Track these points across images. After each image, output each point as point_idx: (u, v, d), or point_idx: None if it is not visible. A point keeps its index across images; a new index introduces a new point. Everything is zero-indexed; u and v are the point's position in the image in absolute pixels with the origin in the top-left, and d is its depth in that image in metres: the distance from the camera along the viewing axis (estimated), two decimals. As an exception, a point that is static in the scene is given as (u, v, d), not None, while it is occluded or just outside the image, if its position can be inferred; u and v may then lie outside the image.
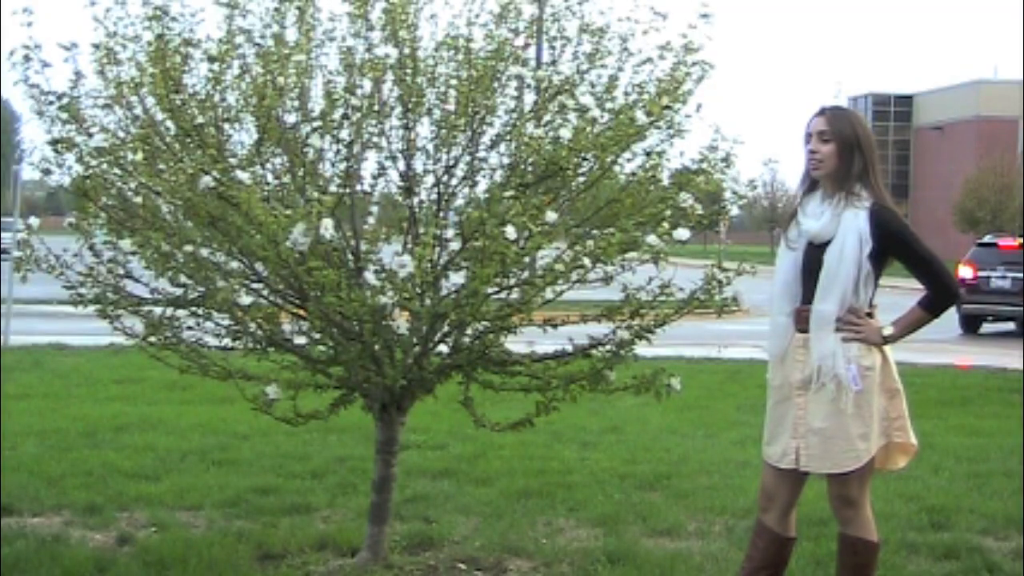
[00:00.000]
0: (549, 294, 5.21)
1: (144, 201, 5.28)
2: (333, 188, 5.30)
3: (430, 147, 5.33)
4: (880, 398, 4.46)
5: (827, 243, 4.46)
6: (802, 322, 4.50)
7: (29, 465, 7.43)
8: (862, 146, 4.51)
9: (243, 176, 5.01)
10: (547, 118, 5.31)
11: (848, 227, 4.43)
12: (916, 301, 4.59)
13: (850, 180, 4.49)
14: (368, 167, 5.39)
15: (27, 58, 5.28)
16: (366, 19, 5.30)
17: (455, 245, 5.12)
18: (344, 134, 5.28)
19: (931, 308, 4.58)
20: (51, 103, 5.32)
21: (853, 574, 4.58)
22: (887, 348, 4.52)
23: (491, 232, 4.88)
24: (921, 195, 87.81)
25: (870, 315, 4.50)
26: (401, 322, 4.92)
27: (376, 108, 5.28)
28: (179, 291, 5.40)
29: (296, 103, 5.31)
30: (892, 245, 4.47)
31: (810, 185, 4.61)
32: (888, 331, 4.50)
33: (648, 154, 5.32)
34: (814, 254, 4.49)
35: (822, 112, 4.59)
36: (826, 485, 4.58)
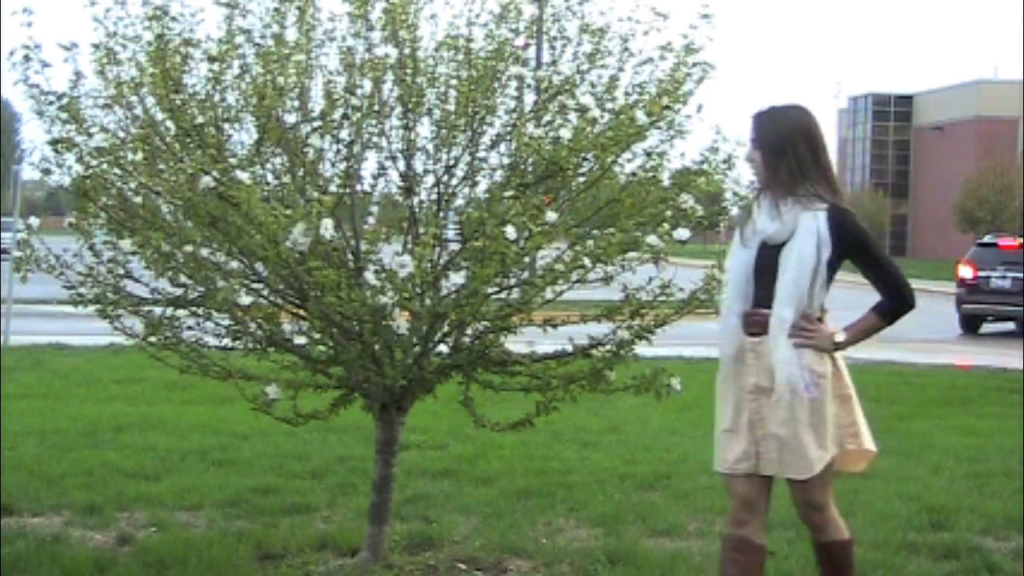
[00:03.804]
0: (549, 294, 5.21)
1: (144, 201, 5.28)
2: (333, 188, 5.30)
3: (430, 147, 5.33)
4: (832, 404, 4.32)
5: (782, 244, 4.31)
6: (752, 326, 4.33)
7: (29, 465, 7.43)
8: (789, 148, 4.31)
9: (243, 176, 5.01)
10: (547, 118, 5.31)
11: (806, 230, 4.26)
12: (870, 307, 4.44)
13: (780, 184, 4.31)
14: (368, 167, 5.40)
15: (27, 58, 5.28)
16: (366, 19, 5.30)
17: (455, 245, 5.12)
18: (344, 134, 5.28)
19: (886, 315, 4.41)
20: (51, 103, 5.32)
21: (836, 575, 4.52)
22: (838, 354, 4.38)
23: (491, 232, 4.88)
24: (921, 195, 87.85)
25: (820, 320, 4.35)
26: (401, 322, 4.92)
27: (376, 108, 5.28)
28: (179, 291, 5.40)
29: (296, 103, 5.31)
30: (850, 249, 4.32)
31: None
32: (840, 337, 4.35)
33: (648, 154, 5.32)
34: (768, 255, 4.32)
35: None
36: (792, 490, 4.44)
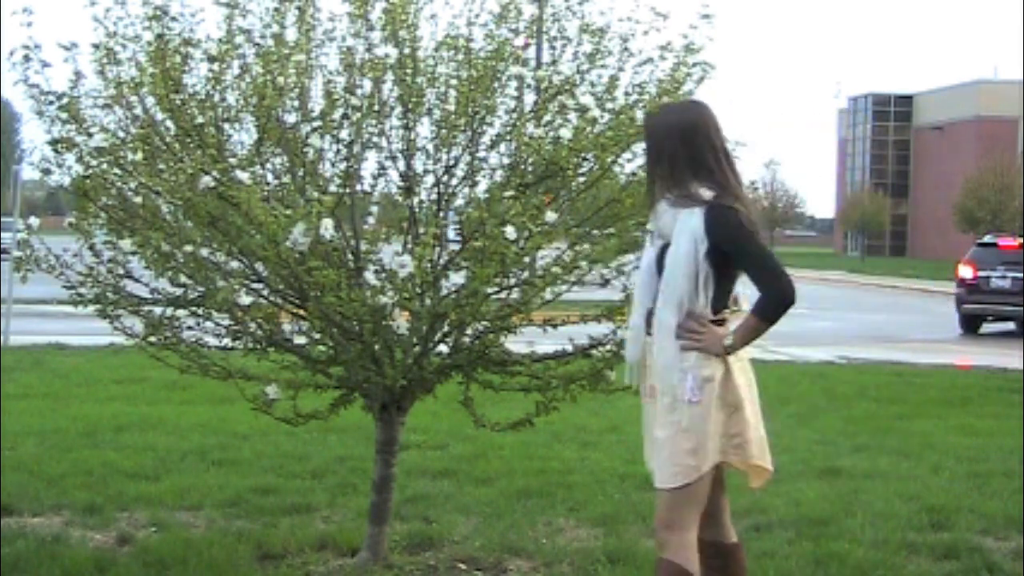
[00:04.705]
0: (548, 294, 5.22)
1: (144, 201, 5.28)
2: (333, 188, 5.30)
3: (430, 147, 5.33)
4: (720, 413, 4.09)
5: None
6: (651, 324, 4.22)
7: (29, 465, 7.43)
8: (666, 149, 4.19)
9: (243, 176, 5.01)
10: (547, 118, 5.31)
11: (683, 228, 4.10)
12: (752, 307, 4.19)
13: (661, 184, 4.20)
14: (368, 167, 5.40)
15: (27, 58, 5.28)
16: (366, 19, 5.30)
17: (455, 245, 5.13)
18: (344, 134, 5.28)
19: (763, 314, 4.12)
20: (51, 103, 5.32)
21: None
22: (732, 359, 4.13)
23: (491, 232, 4.89)
24: (921, 195, 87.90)
25: (720, 322, 4.13)
26: (401, 322, 4.93)
27: (376, 108, 5.28)
28: (179, 291, 5.40)
29: (296, 103, 5.31)
30: (725, 244, 4.09)
31: None
32: (729, 340, 4.10)
33: (649, 154, 5.31)
34: (664, 253, 4.20)
35: None
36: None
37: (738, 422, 4.13)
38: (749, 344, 4.14)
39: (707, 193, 4.14)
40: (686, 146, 4.17)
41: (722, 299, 4.16)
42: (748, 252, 4.13)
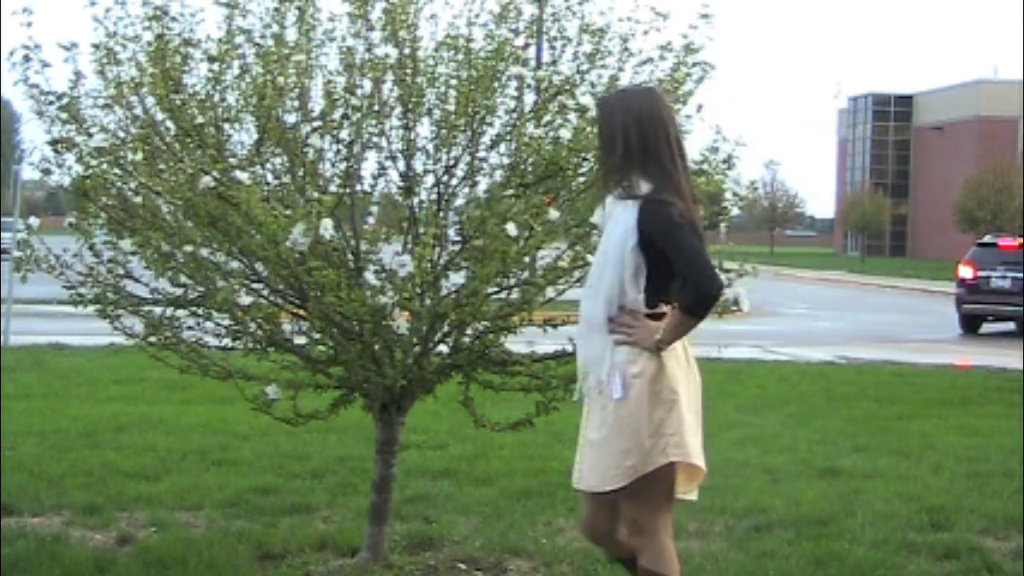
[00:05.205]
0: (550, 293, 5.22)
1: (144, 201, 5.28)
2: (333, 188, 5.31)
3: (430, 147, 5.34)
4: (656, 410, 3.99)
5: None
6: None
7: (29, 465, 7.43)
8: (619, 138, 4.08)
9: (243, 176, 5.02)
10: (547, 118, 5.31)
11: (617, 220, 4.04)
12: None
13: (609, 174, 4.12)
14: (368, 167, 5.40)
15: (27, 58, 5.29)
16: (366, 19, 5.31)
17: (455, 245, 5.13)
18: (344, 134, 5.29)
19: (685, 309, 4.00)
20: (51, 103, 5.33)
21: None
22: (667, 355, 4.04)
23: (492, 231, 4.89)
24: (921, 195, 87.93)
25: (657, 316, 4.04)
26: (401, 322, 4.93)
27: (376, 108, 5.28)
28: (179, 291, 5.40)
29: (296, 103, 5.31)
30: (656, 238, 3.98)
31: None
32: (659, 335, 4.00)
33: (648, 154, 5.31)
34: None
35: None
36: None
37: (675, 420, 4.02)
38: (679, 339, 4.07)
39: (645, 187, 4.05)
40: (640, 134, 4.07)
41: (659, 293, 4.05)
42: (676, 246, 3.98)
